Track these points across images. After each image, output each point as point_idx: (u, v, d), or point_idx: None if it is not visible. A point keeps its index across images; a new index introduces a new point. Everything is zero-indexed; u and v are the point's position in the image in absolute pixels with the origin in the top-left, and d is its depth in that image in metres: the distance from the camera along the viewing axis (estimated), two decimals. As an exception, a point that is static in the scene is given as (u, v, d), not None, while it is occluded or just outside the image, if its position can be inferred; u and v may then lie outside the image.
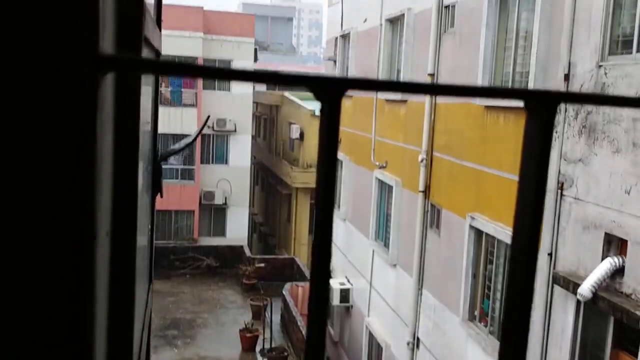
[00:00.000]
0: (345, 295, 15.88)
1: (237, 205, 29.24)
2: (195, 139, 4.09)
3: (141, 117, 1.16)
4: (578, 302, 7.17)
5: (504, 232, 8.87)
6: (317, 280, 0.63)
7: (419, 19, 12.28)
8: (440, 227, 11.22)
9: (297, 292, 20.39)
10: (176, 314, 20.77)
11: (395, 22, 13.69)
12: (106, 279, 0.79)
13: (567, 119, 7.65)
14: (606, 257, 6.80)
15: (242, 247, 27.02)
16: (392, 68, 13.90)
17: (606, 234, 6.88)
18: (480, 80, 9.63)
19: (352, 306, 15.96)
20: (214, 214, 29.23)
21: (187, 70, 0.61)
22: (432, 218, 11.55)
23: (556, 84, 7.84)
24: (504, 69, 9.42)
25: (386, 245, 13.80)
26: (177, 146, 3.40)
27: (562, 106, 7.73)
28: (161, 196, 2.18)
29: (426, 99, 11.55)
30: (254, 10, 51.89)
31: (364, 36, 15.62)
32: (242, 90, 28.46)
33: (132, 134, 0.93)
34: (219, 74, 0.62)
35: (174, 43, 24.67)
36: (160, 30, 2.04)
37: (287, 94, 31.81)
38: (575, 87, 7.49)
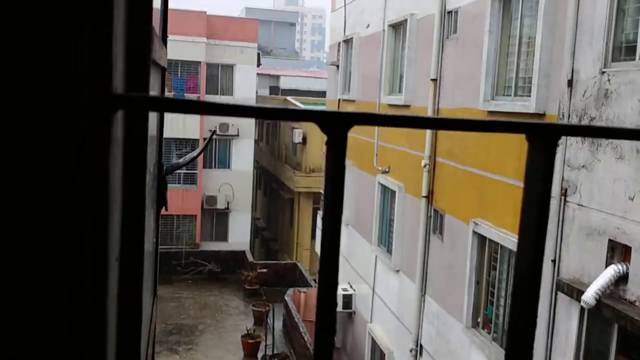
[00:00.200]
0: (347, 301, 15.86)
1: (240, 210, 29.23)
2: (200, 153, 4.11)
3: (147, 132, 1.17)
4: (582, 309, 7.16)
5: (507, 239, 8.86)
6: (324, 294, 0.64)
7: (422, 25, 12.30)
8: (443, 232, 11.21)
9: (299, 298, 20.37)
10: (178, 320, 20.76)
11: (398, 27, 13.71)
12: (115, 300, 0.80)
13: (570, 125, 7.65)
14: (610, 264, 6.78)
15: (244, 252, 27.01)
16: (395, 73, 13.92)
17: (610, 240, 6.87)
18: (482, 85, 9.64)
19: (354, 312, 15.94)
20: (216, 218, 29.23)
21: (198, 107, 0.62)
22: (435, 224, 11.54)
23: (559, 90, 7.84)
24: (506, 74, 9.42)
25: (389, 250, 13.79)
26: (182, 160, 3.42)
27: (565, 113, 7.73)
28: (166, 209, 2.19)
29: (429, 104, 11.55)
30: (257, 15, 51.99)
31: (366, 41, 15.65)
32: (245, 95, 28.49)
33: (140, 167, 0.95)
34: (228, 109, 0.63)
35: (177, 48, 24.71)
36: (166, 47, 2.06)
37: (290, 98, 31.85)
38: (578, 94, 7.49)
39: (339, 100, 17.26)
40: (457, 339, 10.41)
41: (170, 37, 2.66)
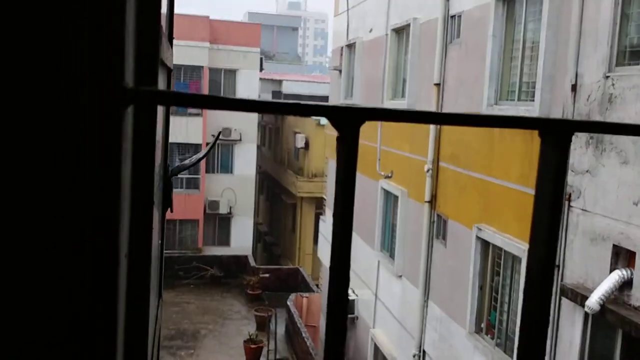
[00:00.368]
0: (350, 306, 15.84)
1: (242, 215, 29.25)
2: (206, 155, 4.11)
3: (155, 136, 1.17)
4: (586, 314, 7.13)
5: (511, 244, 8.84)
6: (335, 293, 0.63)
7: (425, 29, 12.31)
8: (446, 237, 11.19)
9: (301, 303, 20.34)
10: (180, 324, 20.74)
11: (401, 32, 13.72)
12: (123, 299, 0.80)
13: (573, 130, 7.64)
14: (614, 269, 6.76)
15: (246, 257, 27.00)
16: (398, 78, 13.92)
17: (614, 245, 6.84)
18: (486, 90, 9.63)
19: (357, 317, 15.91)
20: (219, 223, 29.24)
21: (208, 101, 0.62)
22: (438, 229, 11.52)
23: (563, 95, 7.84)
24: (510, 79, 9.42)
25: (392, 256, 13.77)
26: (187, 162, 3.42)
27: (569, 117, 7.72)
28: (171, 211, 2.19)
29: (432, 108, 11.55)
30: (260, 19, 52.09)
31: (369, 46, 15.66)
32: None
33: (149, 163, 0.95)
34: (240, 104, 0.63)
35: (181, 52, 24.78)
36: (172, 47, 2.07)
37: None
38: (582, 98, 7.48)
39: (339, 104, 17.27)
40: (460, 344, 10.38)
41: (174, 41, 2.66)
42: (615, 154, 6.92)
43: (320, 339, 18.76)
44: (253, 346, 18.37)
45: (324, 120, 25.69)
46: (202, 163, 27.77)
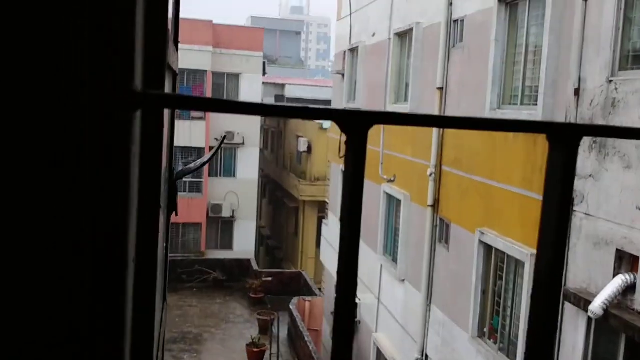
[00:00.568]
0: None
1: (245, 219, 29.26)
2: (211, 158, 4.12)
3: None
4: (589, 319, 7.12)
5: (514, 248, 8.83)
6: (343, 294, 0.63)
7: (428, 34, 12.32)
8: (449, 242, 11.18)
9: (304, 307, 20.32)
10: (183, 328, 20.73)
11: (403, 36, 13.73)
12: (131, 302, 0.80)
13: (577, 134, 7.63)
14: (618, 273, 6.75)
15: (249, 260, 27.00)
16: (401, 82, 13.93)
17: (617, 250, 6.83)
18: (489, 94, 9.63)
19: (359, 322, 15.89)
20: (222, 227, 29.25)
21: (216, 105, 0.62)
22: (441, 233, 11.51)
23: (566, 99, 7.83)
24: (513, 83, 9.42)
25: (394, 260, 13.76)
26: (192, 165, 3.43)
27: (572, 122, 7.72)
28: (176, 215, 2.19)
29: (435, 113, 11.54)
30: (263, 24, 52.21)
31: (372, 50, 15.67)
32: (251, 104, 28.56)
33: (156, 166, 0.95)
34: (247, 108, 0.63)
35: (184, 56, 24.77)
36: (177, 51, 2.07)
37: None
38: (585, 103, 7.48)
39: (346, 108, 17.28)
40: (463, 348, 10.36)
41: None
42: (618, 159, 6.91)
43: (323, 343, 18.73)
44: (256, 350, 18.36)
45: (326, 124, 25.68)
46: (205, 167, 27.81)
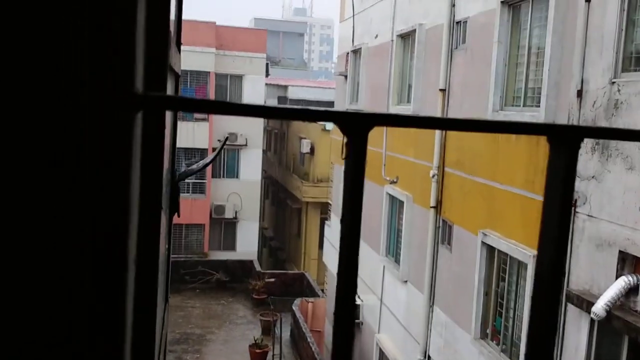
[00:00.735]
0: (355, 311, 15.79)
1: (248, 220, 29.27)
2: (213, 160, 4.12)
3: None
4: (592, 320, 7.10)
5: (516, 249, 8.82)
6: (342, 295, 0.63)
7: (431, 35, 12.32)
8: (451, 243, 11.17)
9: (307, 308, 20.32)
10: (186, 329, 20.75)
11: (406, 37, 13.73)
12: (131, 302, 0.81)
13: (579, 136, 7.62)
14: (620, 275, 6.74)
15: (252, 261, 27.01)
16: (403, 84, 13.93)
17: (620, 251, 6.82)
18: (491, 96, 9.63)
19: (362, 323, 15.88)
20: (224, 228, 29.27)
21: (216, 107, 0.62)
22: (444, 234, 11.51)
23: (568, 101, 7.82)
24: (515, 85, 9.41)
25: (397, 261, 13.75)
26: (195, 167, 3.43)
27: (574, 123, 7.71)
28: (178, 216, 2.19)
29: (437, 114, 11.53)
30: (266, 25, 52.22)
31: (375, 51, 15.68)
32: (253, 105, 28.58)
33: (157, 167, 0.95)
34: (248, 110, 0.63)
35: (187, 58, 24.85)
36: (180, 53, 2.08)
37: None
38: (588, 104, 7.47)
39: (347, 110, 17.29)
40: (466, 350, 10.34)
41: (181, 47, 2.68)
42: (621, 160, 6.90)
43: (325, 344, 18.72)
44: (258, 350, 18.37)
45: (329, 126, 25.68)
46: (208, 168, 27.83)
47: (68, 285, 0.62)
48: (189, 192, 27.55)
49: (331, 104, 28.49)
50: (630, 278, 6.57)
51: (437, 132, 11.54)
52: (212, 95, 27.91)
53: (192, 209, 27.00)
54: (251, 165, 29.41)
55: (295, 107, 0.64)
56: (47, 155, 0.59)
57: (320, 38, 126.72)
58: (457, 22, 11.20)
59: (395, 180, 13.68)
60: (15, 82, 0.58)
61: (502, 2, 9.44)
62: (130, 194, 0.61)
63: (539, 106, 8.42)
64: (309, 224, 28.35)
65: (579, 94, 7.58)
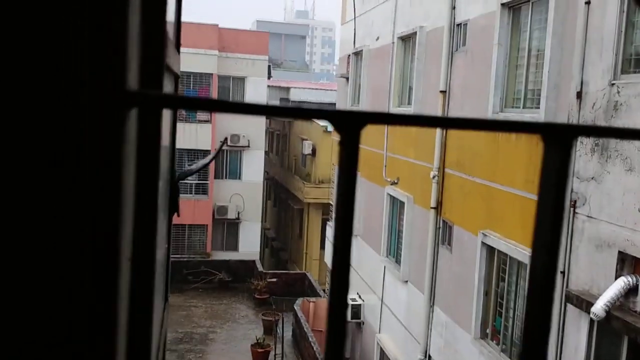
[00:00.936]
0: (356, 311, 15.81)
1: (250, 220, 29.29)
2: (212, 160, 4.13)
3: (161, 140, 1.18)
4: (591, 321, 7.11)
5: (516, 250, 8.83)
6: (335, 310, 0.64)
7: (431, 37, 12.33)
8: (452, 243, 11.18)
9: (308, 308, 20.32)
10: (188, 328, 20.76)
11: (407, 40, 13.74)
12: (126, 303, 0.81)
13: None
14: (620, 275, 6.74)
15: (254, 261, 27.01)
16: (404, 85, 13.94)
17: (620, 252, 6.83)
18: (491, 97, 9.64)
19: (363, 322, 15.89)
20: (227, 228, 29.29)
21: (210, 105, 0.63)
22: (444, 234, 11.51)
23: (568, 102, 7.83)
24: (515, 86, 9.42)
25: (397, 261, 13.75)
26: (194, 166, 3.44)
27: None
28: (178, 215, 2.20)
29: (438, 115, 11.52)
30: (268, 28, 52.19)
31: (376, 54, 15.69)
32: (255, 106, 28.61)
33: (153, 166, 0.96)
34: (242, 108, 0.64)
35: (190, 60, 24.89)
36: (179, 53, 2.09)
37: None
38: (587, 106, 7.48)
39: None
40: (466, 350, 10.35)
41: (182, 49, 2.69)
42: (620, 161, 6.90)
43: (326, 345, 18.69)
44: (260, 350, 18.37)
45: (331, 127, 25.55)
46: (211, 169, 27.85)
47: (68, 285, 0.62)
48: (191, 193, 27.58)
49: (333, 105, 28.48)
50: (630, 278, 6.58)
51: (438, 134, 11.54)
52: (214, 97, 27.92)
53: (195, 209, 27.02)
54: (253, 166, 29.42)
55: (290, 106, 0.66)
56: (47, 155, 0.60)
57: (322, 40, 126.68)
58: (458, 25, 11.21)
59: (396, 181, 13.69)
60: (15, 82, 0.58)
61: (502, 4, 9.45)
62: (121, 193, 0.61)
63: (539, 108, 8.43)
64: (310, 225, 28.35)
65: (579, 95, 7.59)
